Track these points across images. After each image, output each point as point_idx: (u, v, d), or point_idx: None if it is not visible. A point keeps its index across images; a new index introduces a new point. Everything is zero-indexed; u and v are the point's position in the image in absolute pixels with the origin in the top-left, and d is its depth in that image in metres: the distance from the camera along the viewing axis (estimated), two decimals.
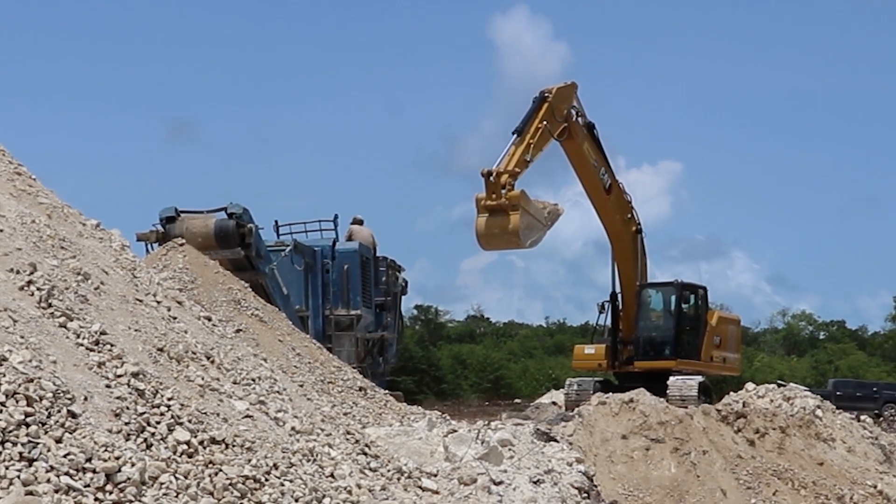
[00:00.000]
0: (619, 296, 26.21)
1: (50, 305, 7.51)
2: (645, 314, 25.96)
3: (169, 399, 7.19)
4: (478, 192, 21.36)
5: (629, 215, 25.76)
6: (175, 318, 9.11)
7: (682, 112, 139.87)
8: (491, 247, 22.10)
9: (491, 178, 21.13)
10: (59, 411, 6.31)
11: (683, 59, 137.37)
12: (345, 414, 11.46)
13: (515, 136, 22.39)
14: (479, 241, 21.66)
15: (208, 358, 8.89)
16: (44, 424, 6.18)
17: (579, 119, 24.21)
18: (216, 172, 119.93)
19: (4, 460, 5.82)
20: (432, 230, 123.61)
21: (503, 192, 20.97)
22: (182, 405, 7.22)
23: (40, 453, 5.97)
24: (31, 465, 5.88)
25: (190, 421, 7.09)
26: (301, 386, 11.59)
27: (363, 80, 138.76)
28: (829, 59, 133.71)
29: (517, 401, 44.18)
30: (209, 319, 10.88)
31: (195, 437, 6.97)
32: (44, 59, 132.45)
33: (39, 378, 6.43)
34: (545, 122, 22.62)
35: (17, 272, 7.65)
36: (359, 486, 7.74)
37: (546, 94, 23.09)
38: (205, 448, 6.94)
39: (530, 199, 21.63)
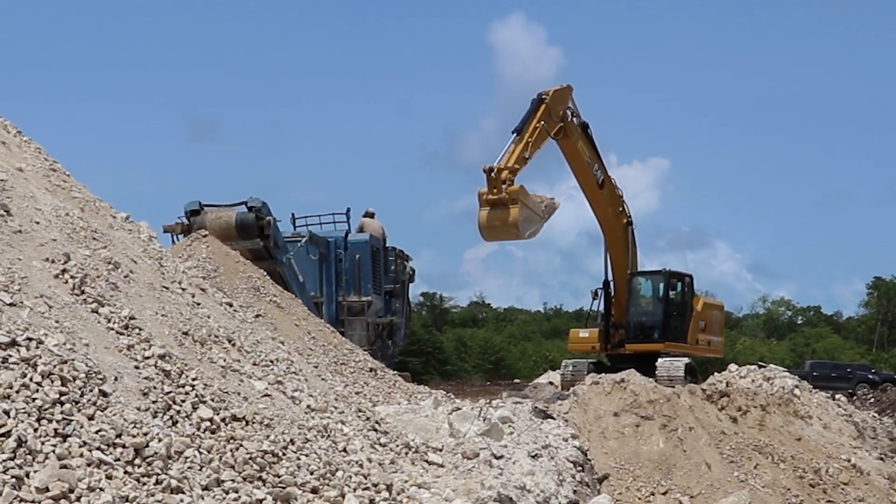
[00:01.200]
0: (611, 283, 26.21)
1: (83, 292, 7.50)
2: (635, 300, 25.97)
3: (193, 379, 7.19)
4: (480, 188, 21.36)
5: (620, 208, 25.75)
6: (199, 304, 9.10)
7: (670, 112, 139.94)
8: (492, 238, 22.08)
9: (492, 174, 21.13)
10: (91, 391, 6.31)
11: (671, 64, 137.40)
12: (356, 393, 11.46)
13: (515, 135, 22.39)
14: (482, 232, 21.66)
15: (230, 341, 8.89)
16: (77, 403, 6.17)
17: (574, 119, 24.18)
18: (236, 168, 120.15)
19: (40, 436, 5.82)
20: (437, 222, 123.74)
21: (503, 186, 20.97)
22: (205, 385, 7.22)
23: (74, 430, 5.97)
24: (65, 441, 5.88)
25: (213, 399, 7.09)
26: (316, 367, 11.58)
27: (372, 83, 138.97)
28: (805, 66, 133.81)
29: (516, 381, 44.20)
30: (230, 305, 10.88)
31: (217, 414, 6.97)
32: (78, 66, 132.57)
33: (73, 360, 6.43)
34: (542, 122, 22.63)
35: (52, 261, 7.64)
36: (369, 460, 7.74)
37: (543, 96, 23.08)
38: (226, 425, 6.94)
39: (529, 193, 21.63)
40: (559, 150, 24.47)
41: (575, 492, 8.55)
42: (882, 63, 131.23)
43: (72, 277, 7.55)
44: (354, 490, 7.21)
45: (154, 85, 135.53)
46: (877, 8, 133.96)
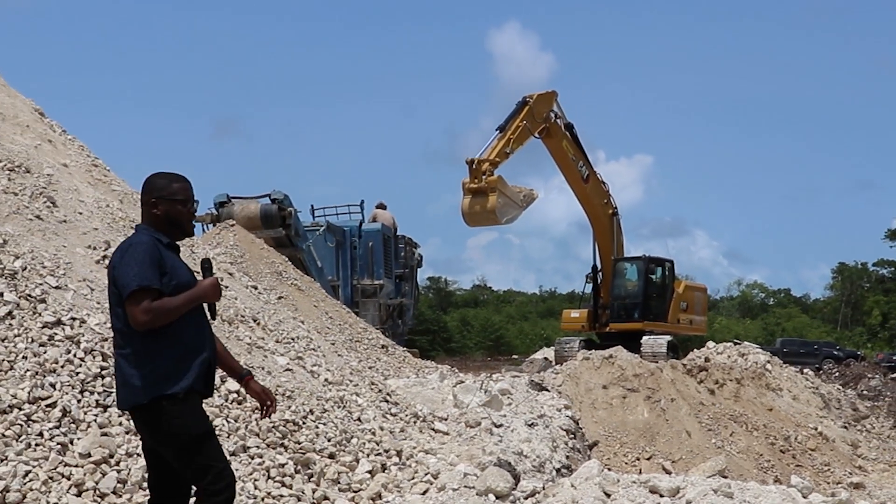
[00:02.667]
0: (599, 268, 26.18)
1: None
2: (618, 284, 25.90)
3: None
4: (464, 178, 21.41)
5: (605, 200, 25.67)
6: (227, 287, 9.09)
7: (654, 112, 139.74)
8: (474, 223, 22.00)
9: (474, 166, 21.19)
10: None
11: (655, 68, 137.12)
12: (369, 368, 11.45)
13: (498, 132, 22.39)
14: (464, 218, 21.66)
15: (255, 320, 8.88)
16: None
17: (558, 121, 24.10)
18: (258, 164, 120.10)
19: (84, 407, 5.82)
20: (441, 213, 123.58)
21: (484, 177, 20.99)
22: None
23: (113, 401, 5.97)
24: (105, 411, 5.88)
25: None
26: (333, 344, 11.57)
27: (381, 87, 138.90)
28: (778, 71, 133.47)
29: (514, 357, 44.16)
30: (255, 288, 10.86)
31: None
32: (117, 72, 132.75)
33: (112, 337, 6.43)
34: (525, 122, 22.61)
35: (94, 248, 7.63)
36: (381, 429, 7.73)
37: (527, 99, 23.06)
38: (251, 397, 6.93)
39: (507, 183, 21.59)
40: (546, 149, 24.42)
41: (567, 457, 8.53)
42: (847, 70, 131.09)
43: None
44: (367, 455, 7.21)
45: (183, 89, 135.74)
46: (843, 18, 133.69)
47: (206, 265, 4.63)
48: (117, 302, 4.28)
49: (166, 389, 4.20)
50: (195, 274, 4.52)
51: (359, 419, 7.74)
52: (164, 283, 4.25)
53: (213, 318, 4.53)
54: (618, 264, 25.90)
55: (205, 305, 4.47)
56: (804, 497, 5.83)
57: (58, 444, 5.49)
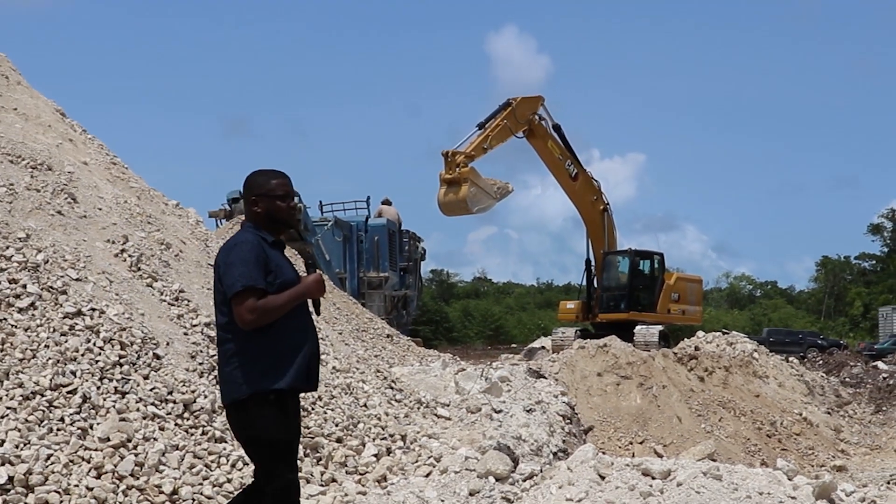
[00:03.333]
0: (593, 261, 26.16)
1: (139, 269, 7.49)
2: (607, 276, 25.88)
3: None
4: (441, 170, 21.44)
5: (595, 197, 25.59)
6: None
7: (646, 113, 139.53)
8: (448, 212, 21.94)
9: (448, 157, 21.23)
10: (146, 354, 6.31)
11: (647, 70, 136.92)
12: (375, 356, 11.45)
13: (478, 128, 22.39)
14: (440, 207, 21.66)
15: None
16: (134, 364, 6.17)
17: (543, 122, 24.04)
18: (267, 162, 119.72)
19: (103, 393, 5.82)
20: None
21: (458, 168, 21.02)
22: None
23: (131, 388, 5.97)
24: (124, 397, 5.88)
25: None
26: (340, 333, 11.57)
27: (385, 88, 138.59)
28: (764, 73, 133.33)
29: (513, 346, 44.13)
30: None
31: None
32: (132, 74, 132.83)
33: (131, 327, 6.43)
34: (506, 121, 22.62)
35: (113, 242, 7.63)
36: (386, 414, 7.73)
37: (511, 101, 23.04)
38: None
39: (480, 175, 21.58)
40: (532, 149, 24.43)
41: (564, 441, 8.53)
42: (830, 72, 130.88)
43: (129, 256, 7.54)
44: (374, 440, 7.22)
45: (195, 91, 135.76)
46: (824, 23, 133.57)
47: (310, 261, 4.50)
48: (223, 300, 4.23)
49: (265, 386, 4.15)
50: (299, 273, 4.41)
51: (365, 405, 7.74)
52: (268, 281, 4.17)
53: (318, 314, 4.44)
54: (607, 257, 25.89)
55: (309, 302, 4.37)
56: (789, 479, 5.83)
57: (78, 428, 5.49)
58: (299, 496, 4.32)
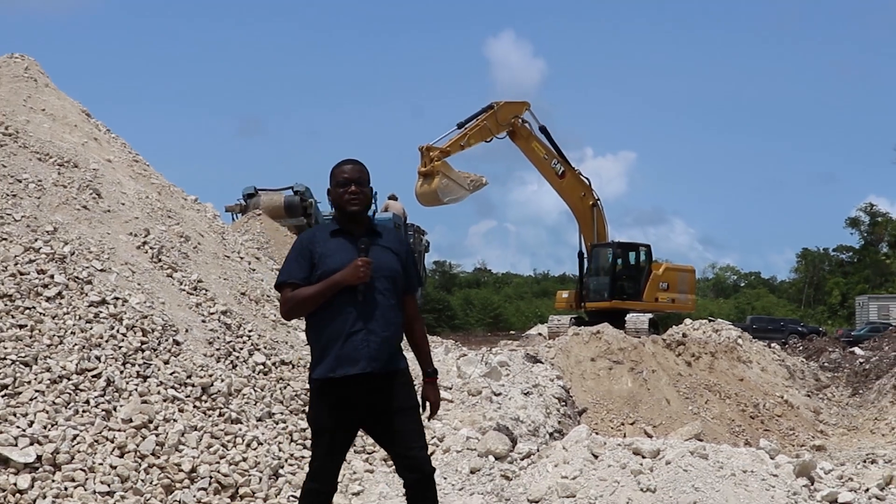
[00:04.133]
0: (584, 253, 26.15)
1: (160, 260, 7.49)
2: (594, 267, 25.87)
3: (249, 331, 7.18)
4: (418, 164, 21.57)
5: (584, 194, 25.54)
6: (254, 270, 9.08)
7: (637, 113, 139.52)
8: (424, 203, 22.03)
9: (424, 151, 21.34)
10: (166, 340, 6.31)
11: (638, 72, 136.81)
12: None
13: (457, 127, 22.41)
14: (417, 198, 21.82)
15: (279, 300, 8.86)
16: (155, 350, 6.18)
17: (526, 125, 24.00)
18: (282, 158, 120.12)
19: (125, 377, 5.83)
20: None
21: (432, 162, 21.14)
22: (259, 335, 7.21)
23: (152, 372, 5.97)
24: (145, 381, 5.88)
25: (265, 347, 7.08)
26: None
27: (390, 89, 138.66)
28: (748, 75, 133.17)
29: (512, 332, 44.12)
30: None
31: (269, 359, 6.96)
32: (154, 76, 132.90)
33: (152, 315, 6.43)
34: (486, 123, 22.67)
35: (135, 235, 7.63)
36: None
37: (494, 105, 23.05)
38: (276, 368, 6.94)
39: (453, 169, 21.63)
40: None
41: (559, 422, 8.53)
42: (810, 73, 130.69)
43: (151, 248, 7.54)
44: None
45: (212, 91, 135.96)
46: (804, 25, 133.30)
47: (362, 245, 4.12)
48: None
49: (310, 374, 4.18)
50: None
51: None
52: (313, 275, 4.08)
53: (362, 300, 4.06)
54: (594, 249, 25.89)
55: (357, 288, 4.03)
56: (771, 458, 5.82)
57: (102, 410, 5.50)
58: (321, 488, 4.18)
